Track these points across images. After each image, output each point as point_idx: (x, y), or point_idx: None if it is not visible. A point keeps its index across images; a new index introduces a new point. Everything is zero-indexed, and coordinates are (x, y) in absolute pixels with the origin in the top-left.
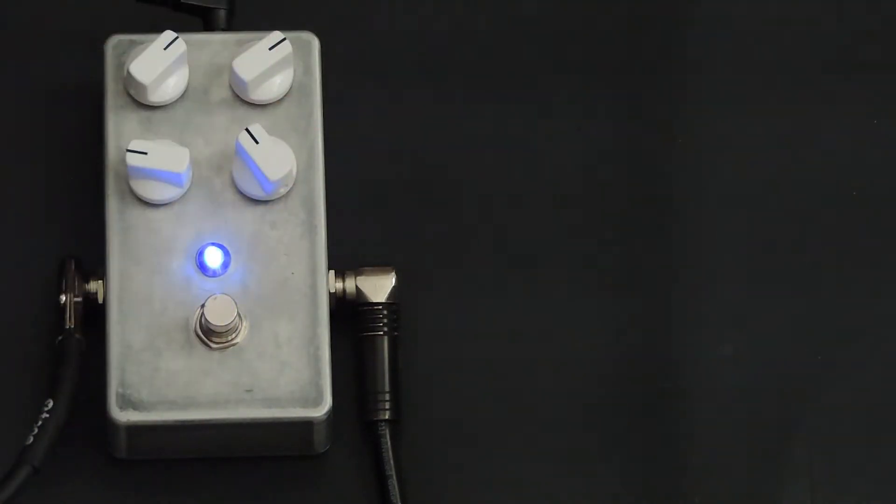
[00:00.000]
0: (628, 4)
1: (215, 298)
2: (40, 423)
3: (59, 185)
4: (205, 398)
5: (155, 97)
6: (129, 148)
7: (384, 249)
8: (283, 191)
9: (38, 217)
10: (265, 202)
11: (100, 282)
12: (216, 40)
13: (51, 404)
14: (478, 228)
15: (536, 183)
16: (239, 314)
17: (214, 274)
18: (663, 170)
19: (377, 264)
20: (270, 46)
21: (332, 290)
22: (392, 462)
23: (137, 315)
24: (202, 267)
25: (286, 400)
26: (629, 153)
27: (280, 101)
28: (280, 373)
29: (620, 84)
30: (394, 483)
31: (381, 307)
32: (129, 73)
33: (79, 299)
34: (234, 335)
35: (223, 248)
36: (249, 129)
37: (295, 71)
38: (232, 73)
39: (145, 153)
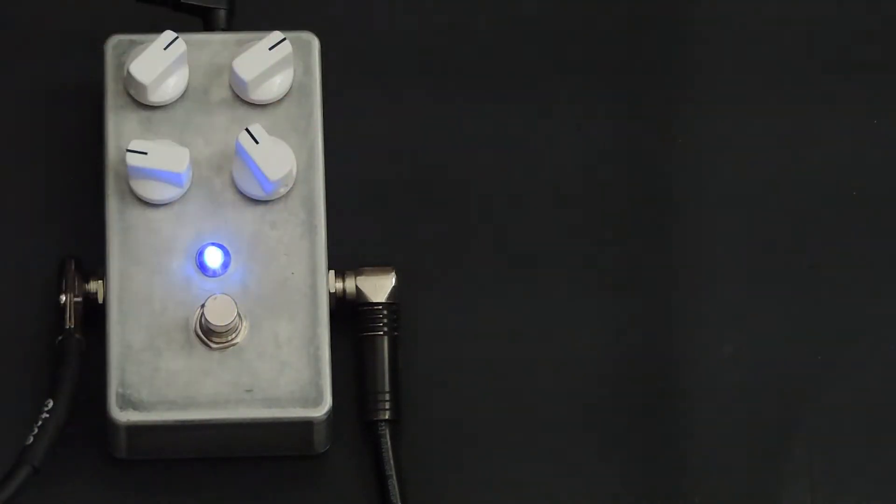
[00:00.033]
0: (628, 4)
1: (215, 298)
2: (40, 423)
3: (59, 185)
4: (205, 398)
5: (155, 97)
6: (129, 148)
7: (384, 249)
8: (283, 191)
9: (38, 217)
10: (265, 202)
11: (100, 282)
12: (216, 40)
13: (51, 404)
14: (478, 228)
15: (536, 183)
16: (239, 314)
17: (214, 274)
18: (663, 170)
19: (377, 264)
20: (270, 46)
21: (332, 290)
22: (392, 462)
23: (137, 315)
24: (202, 267)
25: (286, 400)
26: (629, 153)
27: (280, 101)
28: (280, 373)
29: (620, 84)
30: (394, 483)
31: (381, 307)
32: (129, 73)
33: (79, 299)
34: (234, 335)
35: (223, 248)
36: (249, 129)
37: (295, 71)
38: (232, 73)
39: (145, 153)
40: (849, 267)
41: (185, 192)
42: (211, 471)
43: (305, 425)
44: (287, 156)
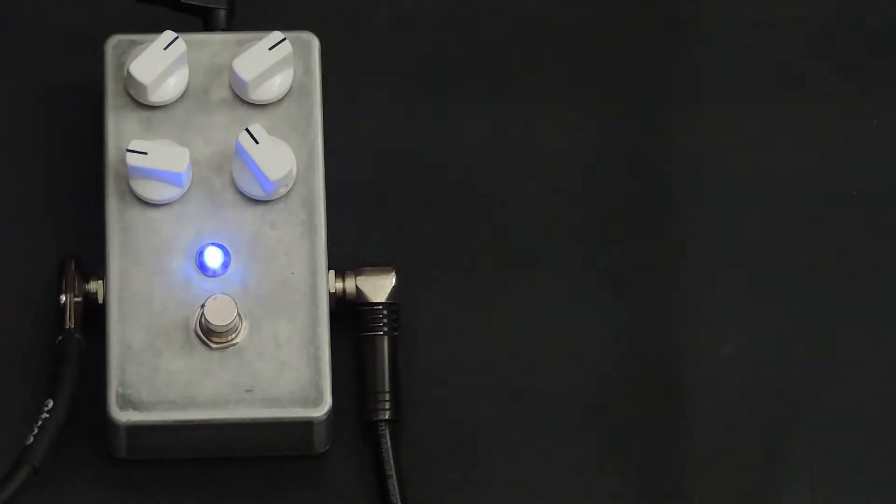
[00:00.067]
0: (628, 4)
1: (215, 298)
2: (40, 423)
3: (59, 185)
4: (205, 398)
5: (155, 97)
6: (129, 148)
7: (384, 249)
8: (283, 191)
9: (38, 217)
10: (265, 202)
11: (100, 282)
12: (216, 40)
13: (51, 404)
14: (478, 228)
15: (536, 183)
16: (239, 314)
17: (214, 274)
18: (663, 170)
19: (377, 264)
20: (270, 46)
21: (332, 290)
22: (392, 462)
23: (137, 315)
24: (202, 267)
25: (286, 400)
26: (629, 153)
27: (280, 101)
28: (280, 373)
29: (620, 84)
30: (394, 483)
31: (381, 307)
32: (129, 73)
33: (79, 299)
34: (234, 335)
35: (223, 248)
36: (249, 129)
37: (295, 71)
38: (232, 73)
39: (145, 153)
40: (849, 267)
41: (185, 192)
42: (211, 471)
43: (305, 425)
44: (287, 156)
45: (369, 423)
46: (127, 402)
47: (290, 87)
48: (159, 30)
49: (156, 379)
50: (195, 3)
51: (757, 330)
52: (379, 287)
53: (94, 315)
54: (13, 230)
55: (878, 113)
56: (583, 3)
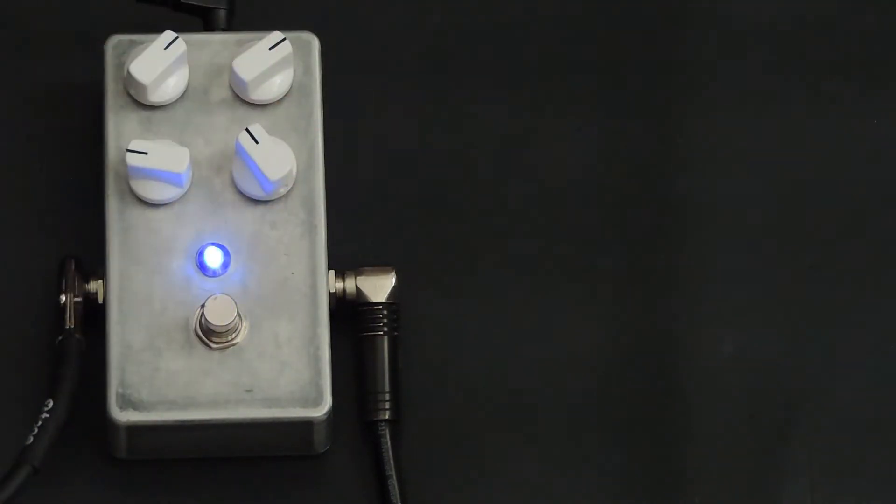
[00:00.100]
0: (628, 4)
1: (215, 298)
2: (40, 423)
3: (59, 185)
4: (205, 398)
5: (155, 97)
6: (129, 148)
7: (384, 249)
8: (283, 191)
9: (38, 217)
10: (265, 202)
11: (100, 282)
12: (216, 40)
13: (51, 404)
14: (478, 228)
15: (537, 183)
16: (239, 314)
17: (214, 274)
18: (663, 170)
19: (377, 264)
20: (270, 46)
21: (332, 290)
22: (392, 462)
23: (137, 315)
24: (202, 267)
25: (286, 400)
26: (629, 153)
27: (280, 101)
28: (280, 373)
29: (620, 84)
30: (394, 483)
31: (381, 307)
32: (129, 73)
33: (79, 299)
34: (234, 335)
35: (223, 248)
36: (249, 129)
37: (295, 71)
38: (232, 73)
39: (145, 153)
40: (849, 267)
41: (185, 192)
42: (211, 471)
43: (305, 425)
44: (287, 156)
45: (369, 423)
46: (127, 402)
47: (290, 87)
48: (159, 30)
49: (156, 379)
50: (195, 3)
51: (757, 330)
52: (379, 287)
53: (94, 315)
54: (13, 230)
55: (878, 113)
56: (583, 3)
